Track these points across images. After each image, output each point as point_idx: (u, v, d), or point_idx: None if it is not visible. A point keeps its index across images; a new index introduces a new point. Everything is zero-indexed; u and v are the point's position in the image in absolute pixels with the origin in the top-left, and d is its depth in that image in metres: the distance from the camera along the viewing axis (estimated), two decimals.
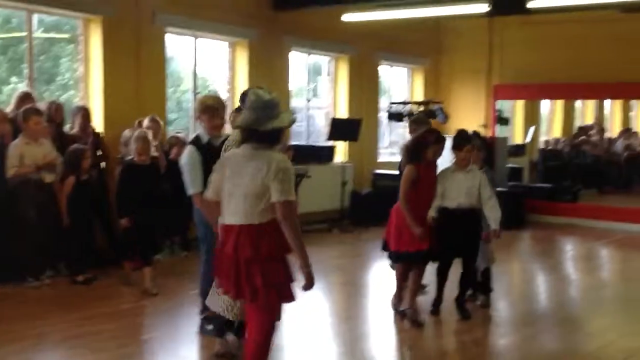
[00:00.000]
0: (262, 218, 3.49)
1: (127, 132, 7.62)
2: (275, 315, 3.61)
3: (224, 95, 10.40)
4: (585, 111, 15.51)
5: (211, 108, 4.91)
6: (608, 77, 11.64)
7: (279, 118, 3.55)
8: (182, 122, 10.19)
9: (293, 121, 3.77)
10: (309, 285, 3.50)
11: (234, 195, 3.53)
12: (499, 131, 13.15)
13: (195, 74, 9.71)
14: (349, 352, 5.05)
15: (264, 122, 3.50)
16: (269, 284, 3.48)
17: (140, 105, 8.38)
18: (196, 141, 4.94)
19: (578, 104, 15.24)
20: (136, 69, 8.48)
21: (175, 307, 6.03)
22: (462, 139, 5.77)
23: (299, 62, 11.36)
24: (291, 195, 3.49)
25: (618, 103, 15.64)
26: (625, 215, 11.46)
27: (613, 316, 6.27)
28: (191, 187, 4.77)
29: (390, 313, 5.90)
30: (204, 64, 10.03)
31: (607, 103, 15.61)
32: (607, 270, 9.01)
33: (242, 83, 10.05)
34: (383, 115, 12.38)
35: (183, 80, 10.36)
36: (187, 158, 4.83)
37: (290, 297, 3.58)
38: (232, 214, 3.54)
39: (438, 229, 5.57)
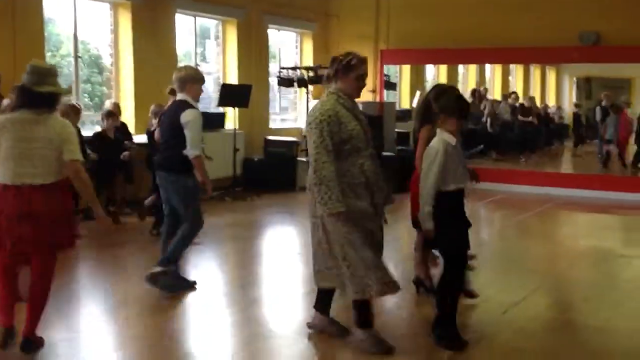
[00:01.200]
0: (53, 178, 4.06)
1: (5, 102, 7.19)
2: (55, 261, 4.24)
3: (107, 59, 10.01)
4: (467, 76, 16.05)
5: (202, 79, 5.64)
6: (489, 42, 12.06)
7: (56, 85, 4.15)
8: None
9: (69, 90, 4.51)
10: (103, 225, 4.46)
11: (24, 156, 4.00)
12: (387, 96, 13.40)
13: (75, 37, 9.27)
14: (244, 319, 5.04)
15: (41, 84, 4.07)
16: (57, 234, 4.12)
17: (17, 71, 7.88)
18: (193, 106, 5.48)
19: (461, 68, 15.75)
20: (12, 33, 8.02)
21: None
22: (463, 101, 4.63)
23: (185, 25, 11.06)
24: (78, 155, 4.12)
25: (498, 67, 16.31)
26: (506, 177, 12.01)
27: (491, 273, 6.49)
28: (196, 148, 5.38)
29: (285, 278, 5.94)
30: (85, 27, 9.58)
31: (488, 67, 16.24)
32: (485, 229, 9.40)
33: (126, 47, 9.71)
34: (273, 81, 12.32)
35: (62, 44, 9.85)
36: (197, 121, 5.41)
37: (71, 244, 4.40)
38: (23, 175, 4.00)
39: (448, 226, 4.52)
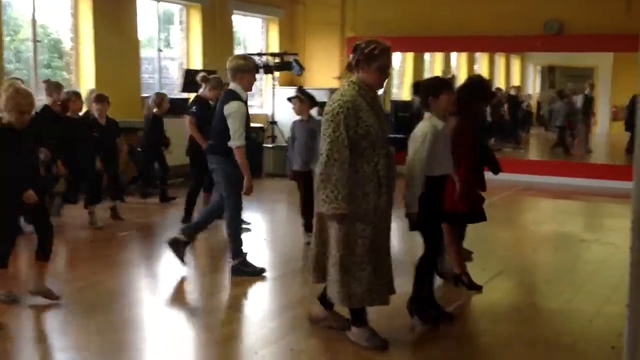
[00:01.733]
0: None
1: None
2: None
3: (67, 44, 9.81)
4: (433, 64, 16.10)
5: (253, 69, 5.66)
6: (455, 31, 12.11)
7: None
8: (22, 73, 9.49)
9: None
10: None
11: None
12: None
13: (34, 21, 9.06)
14: (214, 304, 4.99)
15: None
16: None
17: None
18: (239, 97, 5.52)
19: (427, 56, 15.78)
20: None
21: None
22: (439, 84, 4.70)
23: (148, 10, 10.88)
24: None
25: (464, 56, 16.39)
26: None
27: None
28: (239, 139, 5.43)
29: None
30: (45, 11, 9.37)
31: (454, 56, 16.31)
32: None
33: (87, 31, 9.53)
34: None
35: (21, 28, 9.62)
36: (239, 112, 5.44)
37: None
38: None
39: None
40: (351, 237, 3.99)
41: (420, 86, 4.70)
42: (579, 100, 14.92)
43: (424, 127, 4.47)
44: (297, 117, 6.91)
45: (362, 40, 4.07)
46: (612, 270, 6.09)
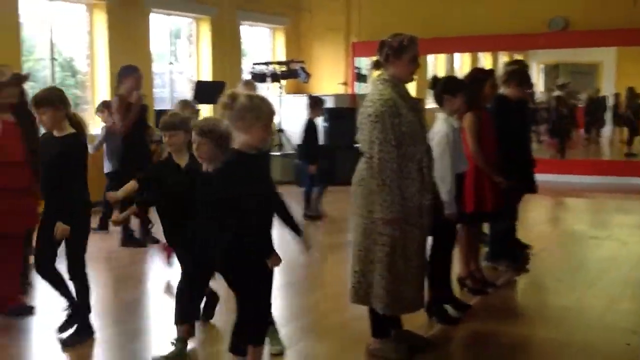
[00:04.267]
0: None
1: None
2: None
3: (80, 62, 10.02)
4: (437, 65, 16.23)
5: None
6: (457, 31, 12.26)
7: None
8: None
9: None
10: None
11: None
12: (358, 88, 13.54)
13: (52, 41, 9.28)
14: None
15: None
16: None
17: None
18: None
19: (430, 58, 15.91)
20: None
21: None
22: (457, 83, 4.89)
23: (159, 24, 11.11)
24: None
25: (467, 56, 16.51)
26: None
27: None
28: None
29: None
30: (59, 30, 9.59)
31: (457, 56, 16.43)
32: None
33: (102, 48, 9.73)
34: (247, 77, 12.40)
35: (35, 48, 9.83)
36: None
37: None
38: None
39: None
40: (405, 240, 3.92)
41: (438, 82, 4.81)
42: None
43: (443, 128, 4.59)
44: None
45: (387, 37, 4.04)
46: (622, 266, 6.23)
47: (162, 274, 5.97)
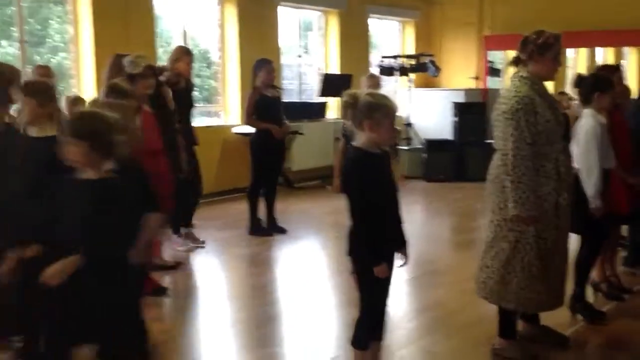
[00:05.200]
0: None
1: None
2: None
3: (214, 54, 10.37)
4: (577, 60, 15.50)
5: None
6: (599, 25, 11.64)
7: None
8: None
9: None
10: None
11: None
12: (491, 83, 13.17)
13: (185, 33, 9.67)
14: (347, 300, 5.16)
15: None
16: None
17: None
18: None
19: (570, 53, 15.22)
20: (125, 29, 8.43)
21: None
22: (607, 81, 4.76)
23: (289, 18, 11.30)
24: None
25: (610, 51, 15.65)
26: None
27: None
28: None
29: None
30: (193, 22, 9.98)
31: (599, 51, 15.61)
32: None
33: (232, 41, 10.03)
34: (375, 70, 12.37)
35: (172, 40, 10.29)
36: None
37: None
38: None
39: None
40: (539, 238, 3.86)
41: (584, 80, 4.74)
42: None
43: (590, 123, 4.52)
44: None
45: (530, 33, 3.98)
46: None
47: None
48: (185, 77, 6.64)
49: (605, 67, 5.16)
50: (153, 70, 5.62)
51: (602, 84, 4.67)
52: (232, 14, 9.99)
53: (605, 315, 4.74)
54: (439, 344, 4.42)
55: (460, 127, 11.46)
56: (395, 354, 4.20)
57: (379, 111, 3.27)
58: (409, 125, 12.15)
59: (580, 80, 4.78)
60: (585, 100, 4.67)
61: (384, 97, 3.35)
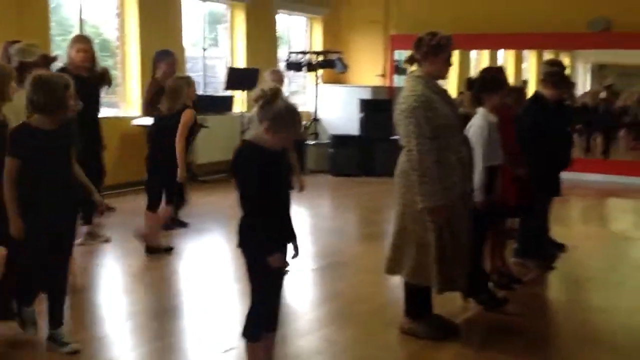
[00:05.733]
0: None
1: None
2: None
3: (114, 44, 10.05)
4: (479, 62, 15.93)
5: None
6: (501, 28, 12.00)
7: None
8: None
9: None
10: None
11: None
12: (397, 81, 13.35)
13: (82, 21, 9.31)
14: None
15: None
16: None
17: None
18: None
19: (473, 54, 15.62)
20: (19, 16, 8.05)
21: None
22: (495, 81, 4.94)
23: (195, 10, 11.09)
24: None
25: (511, 54, 16.17)
26: None
27: None
28: None
29: None
30: (93, 12, 9.62)
31: (501, 54, 16.10)
32: None
33: (133, 31, 9.74)
34: (282, 66, 12.33)
35: (73, 28, 9.89)
36: None
37: None
38: None
39: None
40: (451, 225, 4.00)
41: (475, 82, 4.93)
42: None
43: (479, 121, 4.72)
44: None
45: (424, 34, 4.12)
46: None
47: None
48: (77, 65, 6.31)
49: (490, 69, 5.36)
50: (46, 59, 5.39)
51: (490, 84, 4.85)
52: (132, 2, 9.69)
53: (507, 301, 4.82)
54: (339, 333, 4.42)
55: (366, 123, 11.59)
56: (293, 344, 4.17)
57: (284, 122, 3.26)
58: (316, 120, 12.17)
59: (471, 82, 5.00)
60: (477, 101, 4.87)
61: (295, 113, 3.34)
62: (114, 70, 10.16)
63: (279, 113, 3.26)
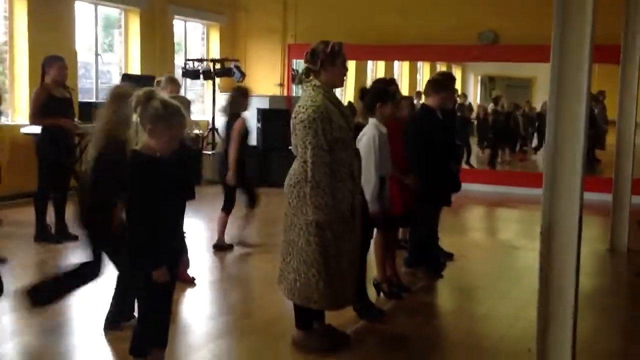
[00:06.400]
0: None
1: None
2: None
3: (2, 48, 9.62)
4: (375, 72, 16.25)
5: None
6: (396, 40, 12.30)
7: None
8: None
9: None
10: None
11: None
12: (295, 90, 13.43)
13: None
14: None
15: None
16: None
17: None
18: None
19: (369, 64, 15.92)
20: None
21: None
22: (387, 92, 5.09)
23: (90, 14, 10.76)
24: None
25: (406, 65, 16.59)
26: None
27: None
28: None
29: None
30: None
31: (396, 64, 16.50)
32: None
33: (22, 36, 9.36)
34: (179, 73, 12.15)
35: None
36: None
37: None
38: None
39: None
40: (337, 240, 4.02)
41: (367, 92, 5.05)
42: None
43: (371, 131, 4.81)
44: None
45: (315, 45, 4.11)
46: (536, 275, 6.26)
47: None
48: None
49: (381, 80, 5.50)
50: None
51: (381, 95, 5.00)
52: (22, 5, 9.30)
53: (384, 313, 4.94)
54: (232, 346, 4.40)
55: (264, 133, 11.57)
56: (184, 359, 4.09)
57: (164, 122, 3.18)
58: (214, 130, 12.05)
59: (363, 93, 5.11)
60: (369, 111, 4.99)
61: (175, 110, 3.24)
62: (1, 76, 9.74)
63: (157, 113, 3.16)
